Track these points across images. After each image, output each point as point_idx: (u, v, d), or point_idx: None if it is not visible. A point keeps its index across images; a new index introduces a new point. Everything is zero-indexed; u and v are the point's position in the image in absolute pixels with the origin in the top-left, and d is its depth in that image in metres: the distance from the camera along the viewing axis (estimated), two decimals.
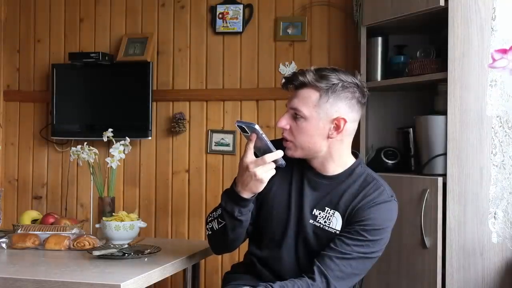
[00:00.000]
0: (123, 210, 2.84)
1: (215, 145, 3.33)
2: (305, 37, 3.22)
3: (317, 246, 1.78)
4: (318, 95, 1.75)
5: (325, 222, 1.78)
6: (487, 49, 2.27)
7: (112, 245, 2.20)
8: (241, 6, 3.29)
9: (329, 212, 1.79)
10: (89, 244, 2.24)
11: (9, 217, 3.46)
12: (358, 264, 1.74)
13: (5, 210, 3.43)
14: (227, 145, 3.31)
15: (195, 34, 3.37)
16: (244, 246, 1.96)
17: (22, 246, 2.27)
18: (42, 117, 3.61)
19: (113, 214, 2.47)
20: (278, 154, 1.73)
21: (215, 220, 1.82)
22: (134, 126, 3.32)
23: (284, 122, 1.80)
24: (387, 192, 1.80)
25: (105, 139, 2.78)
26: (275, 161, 1.73)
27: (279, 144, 1.81)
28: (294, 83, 1.79)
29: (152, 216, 3.40)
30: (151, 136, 3.35)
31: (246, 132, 1.75)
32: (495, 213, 2.27)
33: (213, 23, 3.33)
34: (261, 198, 1.86)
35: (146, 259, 2.06)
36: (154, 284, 2.03)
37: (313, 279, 1.69)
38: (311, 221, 1.80)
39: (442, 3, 2.40)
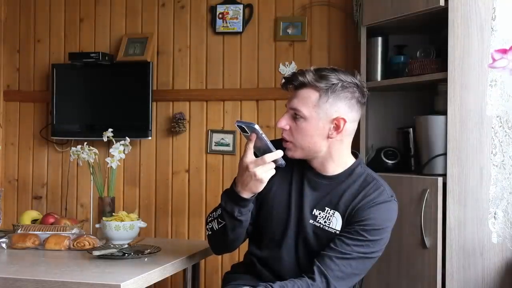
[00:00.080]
0: (123, 210, 2.84)
1: (215, 145, 3.33)
2: (305, 37, 3.21)
3: (317, 246, 1.78)
4: (317, 95, 1.75)
5: (325, 222, 1.78)
6: (487, 49, 2.27)
7: (112, 245, 2.21)
8: (241, 6, 3.29)
9: (329, 212, 1.79)
10: (89, 244, 2.24)
11: (9, 217, 3.46)
12: (358, 264, 1.74)
13: (5, 210, 3.43)
14: (227, 145, 3.31)
15: (195, 34, 3.37)
16: (244, 246, 1.96)
17: (22, 246, 2.27)
18: (42, 117, 3.61)
19: (113, 214, 2.47)
20: (278, 154, 1.73)
21: (215, 220, 1.82)
22: (134, 126, 3.32)
23: (284, 123, 1.79)
24: (387, 192, 1.80)
25: (105, 139, 2.78)
26: (275, 161, 1.73)
27: (279, 144, 1.81)
28: (293, 83, 1.79)
29: (152, 216, 3.40)
30: (151, 136, 3.35)
31: (246, 132, 1.75)
32: (495, 213, 2.27)
33: (213, 23, 3.33)
34: (261, 198, 1.86)
35: (146, 259, 2.06)
36: (154, 284, 2.04)
37: (313, 279, 1.69)
38: (311, 221, 1.80)
39: (442, 3, 2.40)
